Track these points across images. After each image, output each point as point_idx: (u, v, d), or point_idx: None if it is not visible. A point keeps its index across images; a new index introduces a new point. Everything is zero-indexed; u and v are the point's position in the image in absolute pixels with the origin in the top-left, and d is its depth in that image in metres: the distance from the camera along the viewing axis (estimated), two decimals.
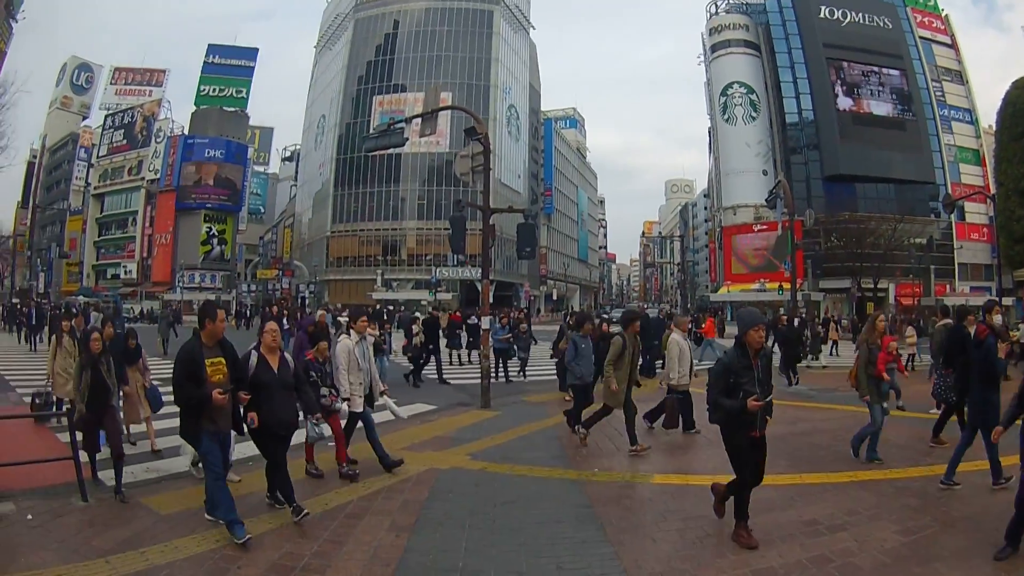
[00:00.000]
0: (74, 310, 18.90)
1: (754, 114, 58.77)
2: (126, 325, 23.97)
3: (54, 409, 8.78)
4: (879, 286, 44.17)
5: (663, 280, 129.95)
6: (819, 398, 12.52)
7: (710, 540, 5.05)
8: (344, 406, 6.82)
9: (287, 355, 5.86)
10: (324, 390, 6.67)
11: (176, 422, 5.33)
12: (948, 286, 49.09)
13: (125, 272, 70.79)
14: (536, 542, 4.92)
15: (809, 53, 56.86)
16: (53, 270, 75.74)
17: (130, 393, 7.62)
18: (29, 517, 5.56)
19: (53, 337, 9.21)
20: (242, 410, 5.36)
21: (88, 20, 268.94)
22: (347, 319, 8.88)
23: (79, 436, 6.03)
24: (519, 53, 72.01)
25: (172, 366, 5.18)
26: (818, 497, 6.10)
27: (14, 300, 44.91)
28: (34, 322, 23.07)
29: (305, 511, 5.42)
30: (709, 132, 65.95)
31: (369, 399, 7.34)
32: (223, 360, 5.08)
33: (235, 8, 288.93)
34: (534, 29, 77.44)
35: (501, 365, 15.52)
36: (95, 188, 76.63)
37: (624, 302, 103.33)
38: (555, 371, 14.16)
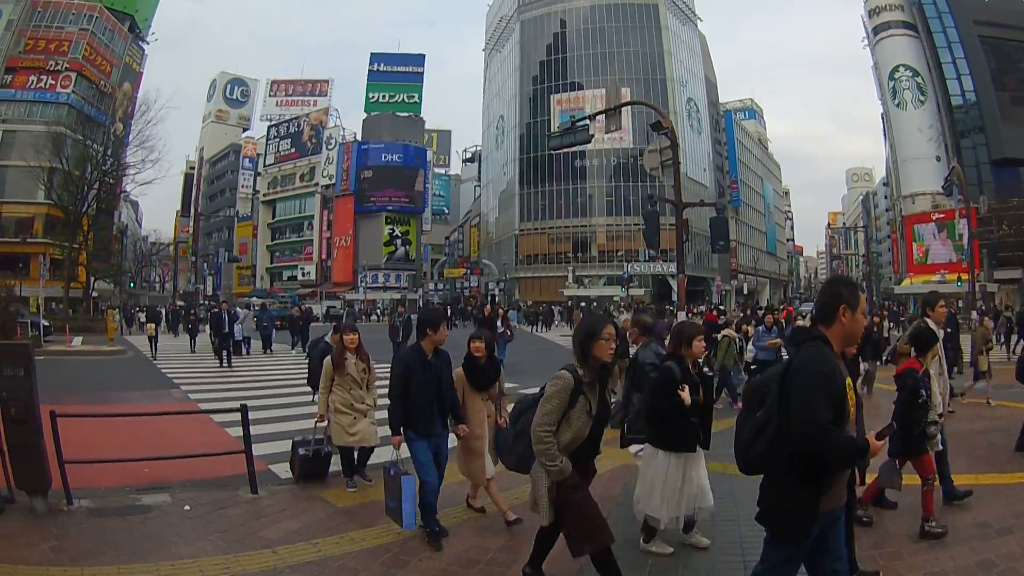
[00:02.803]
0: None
1: (922, 98, 69.64)
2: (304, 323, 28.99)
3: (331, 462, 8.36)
4: None
5: (849, 272, 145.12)
6: (997, 395, 13.93)
7: (890, 540, 6.05)
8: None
9: None
10: (933, 415, 6.33)
11: None
12: None
13: (303, 274, 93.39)
14: (725, 539, 6.05)
15: (962, 31, 66.94)
16: (222, 274, 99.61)
17: (475, 434, 6.61)
18: (187, 508, 7.05)
19: (326, 361, 8.06)
20: None
21: (241, 36, 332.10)
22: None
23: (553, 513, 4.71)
24: (689, 45, 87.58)
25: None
26: (991, 499, 7.25)
27: (179, 303, 59.19)
28: (226, 329, 22.43)
29: None
30: (882, 117, 77.59)
31: None
32: (850, 381, 3.82)
33: (397, 16, 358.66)
34: (701, 21, 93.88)
35: None
36: (264, 195, 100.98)
37: (812, 296, 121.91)
38: None
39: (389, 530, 6.33)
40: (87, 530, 6.42)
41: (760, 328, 14.54)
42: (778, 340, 13.98)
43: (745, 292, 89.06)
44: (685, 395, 5.66)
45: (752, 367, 14.38)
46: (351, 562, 5.68)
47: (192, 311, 35.43)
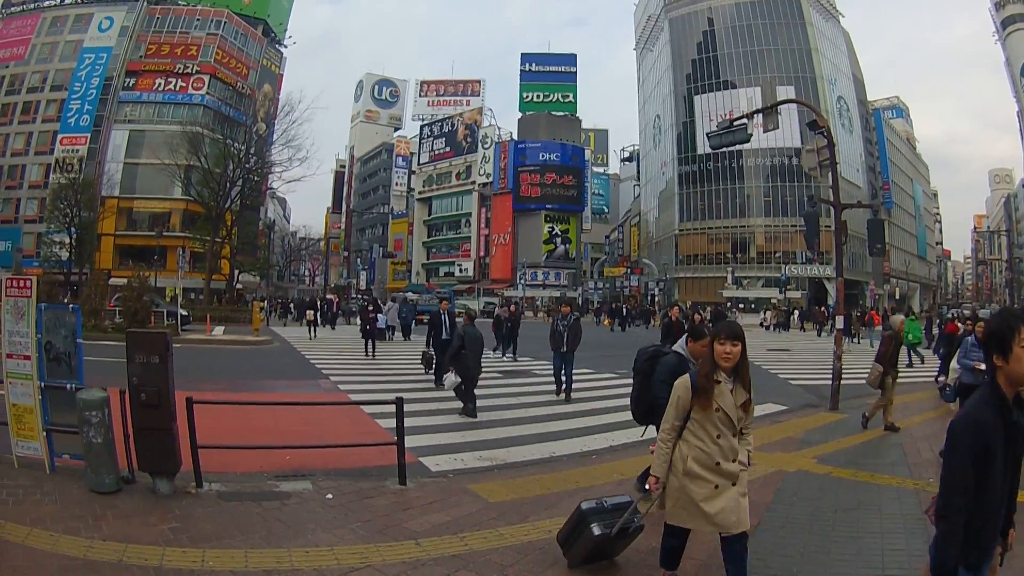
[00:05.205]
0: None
1: None
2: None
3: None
4: None
5: (992, 278, 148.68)
6: None
7: None
8: None
9: None
10: None
11: None
12: None
13: (460, 270, 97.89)
14: (869, 552, 6.16)
15: None
16: (375, 268, 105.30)
17: None
18: (329, 496, 7.30)
19: (681, 383, 5.05)
20: None
21: (383, 38, 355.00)
22: None
23: None
24: (835, 42, 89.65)
25: None
26: None
27: (328, 296, 58.04)
28: (445, 335, 17.25)
29: None
30: (1018, 116, 79.48)
31: None
32: None
33: (545, 18, 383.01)
34: (843, 16, 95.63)
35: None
36: (419, 193, 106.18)
37: (959, 301, 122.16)
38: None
39: (538, 527, 6.52)
40: (214, 513, 6.69)
41: (970, 340, 11.22)
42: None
43: (897, 297, 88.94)
44: None
45: (947, 390, 12.93)
46: (497, 557, 5.82)
47: (371, 309, 27.96)
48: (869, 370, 12.53)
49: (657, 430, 6.03)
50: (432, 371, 17.67)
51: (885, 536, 6.63)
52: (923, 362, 26.63)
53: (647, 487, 5.15)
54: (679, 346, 6.90)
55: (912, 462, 9.89)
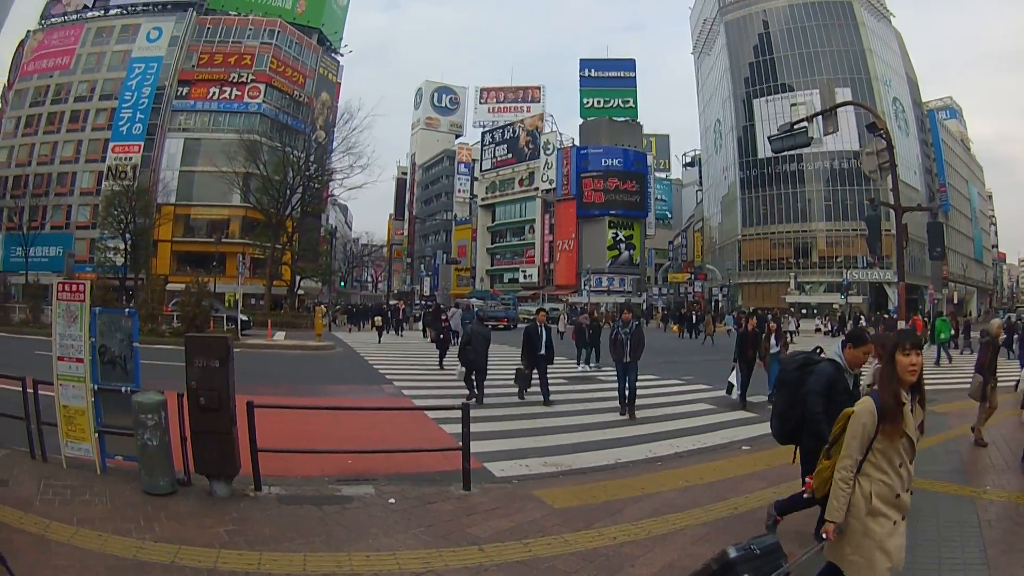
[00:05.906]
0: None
1: None
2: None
3: None
4: None
5: None
6: None
7: None
8: None
9: None
10: None
11: None
12: None
13: (524, 276, 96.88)
14: (923, 561, 5.92)
15: None
16: (439, 275, 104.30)
17: None
18: (391, 501, 7.25)
19: (864, 407, 4.22)
20: None
21: (439, 46, 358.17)
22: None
23: None
24: (887, 42, 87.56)
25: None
26: None
27: (393, 302, 59.89)
28: (543, 351, 15.54)
29: None
30: None
31: None
32: None
33: (602, 23, 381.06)
34: (894, 16, 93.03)
35: None
36: (483, 199, 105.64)
37: (1015, 305, 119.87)
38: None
39: (604, 534, 6.47)
40: (273, 516, 6.64)
41: None
42: None
43: (955, 301, 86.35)
44: None
45: None
46: (561, 564, 5.73)
47: (445, 316, 27.71)
48: (970, 382, 11.67)
49: (801, 449, 6.15)
50: (524, 392, 15.57)
51: (942, 545, 6.45)
52: (951, 362, 26.87)
53: (823, 535, 4.17)
54: (835, 353, 6.07)
55: (969, 470, 9.64)
